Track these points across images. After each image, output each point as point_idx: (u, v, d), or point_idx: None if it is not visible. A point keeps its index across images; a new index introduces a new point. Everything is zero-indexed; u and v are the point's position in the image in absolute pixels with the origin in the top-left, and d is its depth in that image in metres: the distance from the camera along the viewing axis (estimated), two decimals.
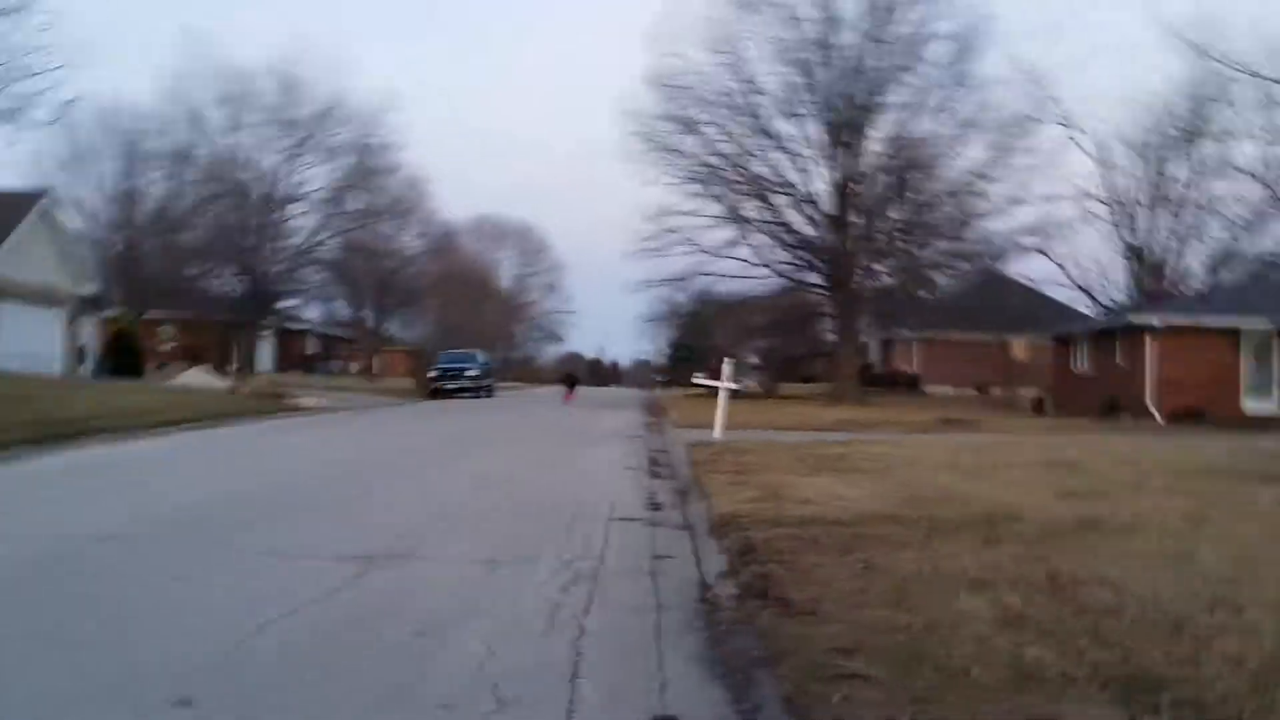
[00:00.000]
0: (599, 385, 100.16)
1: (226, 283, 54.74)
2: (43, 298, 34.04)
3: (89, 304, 38.47)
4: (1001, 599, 5.79)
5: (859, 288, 40.47)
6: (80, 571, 6.75)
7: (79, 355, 36.90)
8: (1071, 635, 5.04)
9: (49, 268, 34.77)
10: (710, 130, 39.78)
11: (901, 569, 6.70)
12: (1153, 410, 29.17)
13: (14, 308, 31.95)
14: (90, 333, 39.36)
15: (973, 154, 37.73)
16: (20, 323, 32.21)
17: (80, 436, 15.50)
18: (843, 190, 39.19)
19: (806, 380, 54.14)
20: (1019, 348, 46.63)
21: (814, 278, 42.27)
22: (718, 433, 18.78)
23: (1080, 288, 45.89)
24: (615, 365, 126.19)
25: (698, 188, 40.16)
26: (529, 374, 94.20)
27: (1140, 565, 6.74)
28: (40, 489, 10.91)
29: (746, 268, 41.44)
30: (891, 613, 5.57)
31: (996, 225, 39.03)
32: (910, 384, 48.64)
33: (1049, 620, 5.34)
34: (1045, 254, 42.02)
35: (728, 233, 40.83)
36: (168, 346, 56.95)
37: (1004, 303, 44.25)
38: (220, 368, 47.36)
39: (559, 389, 51.53)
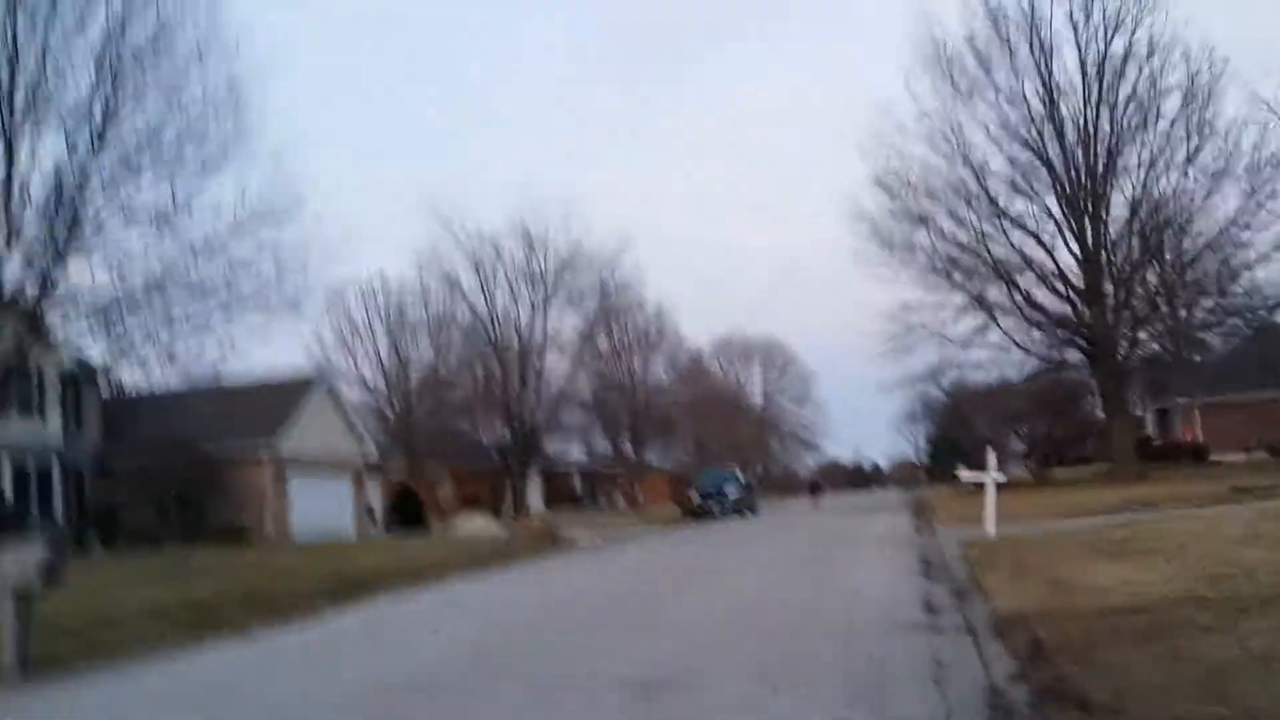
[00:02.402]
0: (859, 489, 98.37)
1: (494, 432, 57.65)
2: (332, 467, 36.84)
3: (373, 467, 41.27)
4: None
5: (1124, 358, 38.39)
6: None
7: (369, 515, 39.50)
8: None
9: (335, 439, 37.68)
10: (943, 221, 39.17)
11: (1211, 655, 6.28)
12: None
13: (307, 479, 34.70)
14: (376, 493, 42.12)
15: (1228, 204, 35.50)
16: (314, 492, 34.90)
17: (375, 591, 16.51)
18: (1092, 260, 37.58)
19: (1080, 462, 51.42)
20: None
21: (1073, 354, 40.43)
22: (990, 527, 18.09)
23: None
24: (875, 467, 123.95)
25: (937, 279, 39.42)
26: (788, 486, 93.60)
27: None
28: (351, 643, 11.67)
29: (998, 354, 40.14)
30: (1206, 705, 5.23)
31: (1265, 274, 36.33)
32: (1194, 454, 45.12)
33: None
34: None
35: (975, 321, 39.72)
36: (447, 498, 60.18)
37: None
38: (496, 512, 49.52)
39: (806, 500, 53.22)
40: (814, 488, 55.40)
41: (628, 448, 73.76)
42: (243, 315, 25.62)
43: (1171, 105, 35.68)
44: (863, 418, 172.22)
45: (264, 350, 56.36)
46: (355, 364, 56.11)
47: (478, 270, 56.86)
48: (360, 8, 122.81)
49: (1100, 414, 43.89)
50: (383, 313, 56.51)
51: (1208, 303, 38.55)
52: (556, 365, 59.32)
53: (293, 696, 8.44)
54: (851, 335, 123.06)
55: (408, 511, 41.92)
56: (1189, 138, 35.43)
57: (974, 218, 38.99)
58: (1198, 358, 41.38)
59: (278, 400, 35.49)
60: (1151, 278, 38.29)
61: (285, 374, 38.42)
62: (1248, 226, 35.09)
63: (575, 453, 72.71)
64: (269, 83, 26.46)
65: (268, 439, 33.36)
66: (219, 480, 32.09)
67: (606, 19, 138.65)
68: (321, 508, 35.07)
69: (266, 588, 15.49)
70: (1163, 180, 36.40)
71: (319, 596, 15.26)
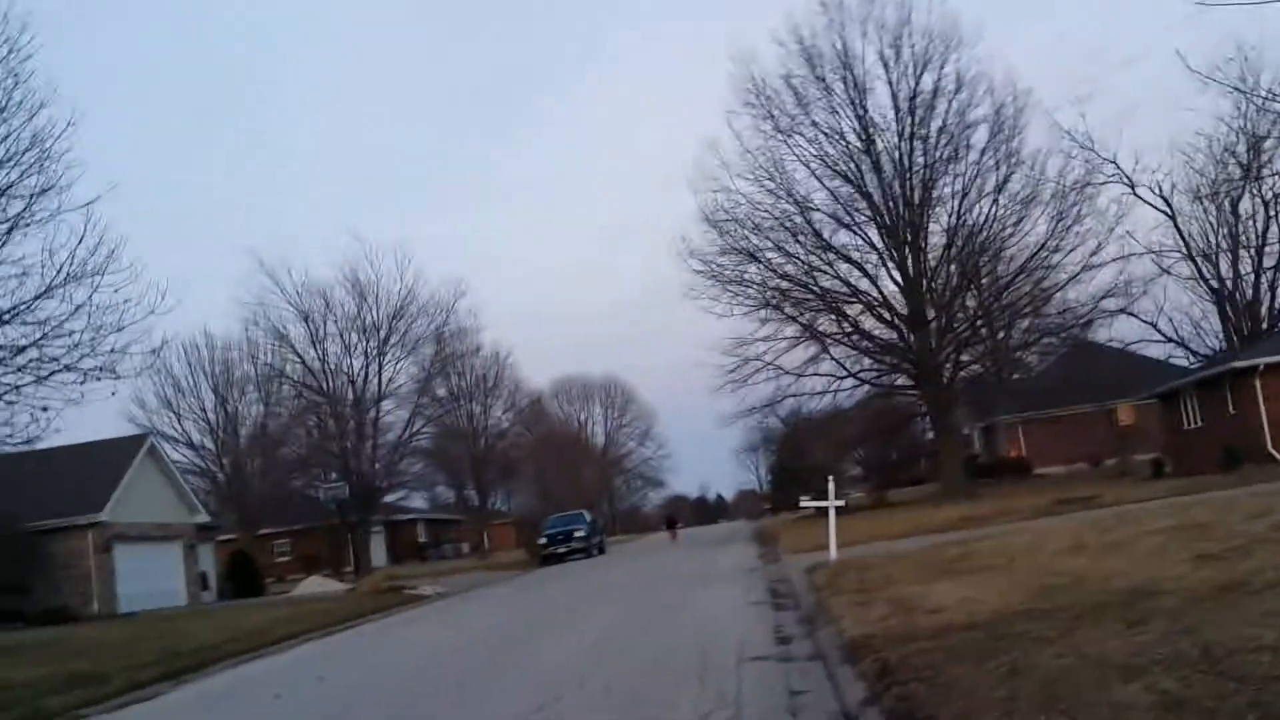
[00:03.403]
0: (706, 523, 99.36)
1: (331, 487, 55.99)
2: (159, 534, 35.14)
3: (203, 531, 39.52)
4: (1158, 683, 5.54)
5: (948, 381, 39.93)
6: None
7: (200, 583, 37.77)
8: (1237, 713, 4.80)
9: (161, 505, 35.96)
10: (772, 255, 40.10)
11: (1047, 666, 6.47)
12: (1275, 455, 27.94)
13: (133, 548, 33.02)
14: (208, 559, 40.34)
15: (1037, 229, 37.49)
16: (141, 562, 33.21)
17: (208, 665, 15.73)
18: (914, 288, 39.06)
19: (914, 483, 53.21)
20: (1124, 413, 45.45)
21: (902, 379, 41.88)
22: (832, 553, 18.44)
23: (1176, 341, 44.83)
24: (720, 500, 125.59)
25: (770, 312, 40.31)
26: (636, 523, 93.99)
27: None
28: None
29: (832, 382, 41.29)
30: (1045, 715, 5.37)
31: (1076, 294, 38.46)
32: (1019, 469, 47.36)
33: (1210, 698, 5.09)
34: (1132, 314, 41.18)
35: (808, 351, 40.77)
36: (284, 559, 58.15)
37: (1101, 370, 43.30)
38: (336, 570, 48.09)
39: (663, 534, 55.17)
40: (670, 523, 57.16)
41: (472, 494, 72.83)
42: (56, 379, 24.23)
43: (980, 136, 37.59)
44: (706, 451, 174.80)
45: (82, 415, 53.43)
46: (181, 425, 53.85)
47: (307, 321, 55.38)
48: (180, 56, 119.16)
49: (930, 435, 45.57)
50: (208, 370, 54.47)
51: (1023, 324, 40.55)
52: (394, 415, 58.19)
53: None
54: (691, 371, 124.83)
55: (242, 577, 40.29)
56: (998, 167, 37.34)
57: (801, 251, 40.09)
58: (1017, 376, 43.41)
59: (99, 467, 33.69)
60: (970, 302, 40.02)
61: (106, 439, 36.52)
62: (1057, 249, 37.10)
63: (419, 503, 71.37)
64: (81, 134, 24.98)
65: (90, 509, 31.60)
66: (40, 555, 30.30)
67: (440, 66, 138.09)
68: (151, 577, 33.43)
69: (94, 668, 14.58)
70: (976, 208, 38.19)
71: (152, 673, 14.45)
